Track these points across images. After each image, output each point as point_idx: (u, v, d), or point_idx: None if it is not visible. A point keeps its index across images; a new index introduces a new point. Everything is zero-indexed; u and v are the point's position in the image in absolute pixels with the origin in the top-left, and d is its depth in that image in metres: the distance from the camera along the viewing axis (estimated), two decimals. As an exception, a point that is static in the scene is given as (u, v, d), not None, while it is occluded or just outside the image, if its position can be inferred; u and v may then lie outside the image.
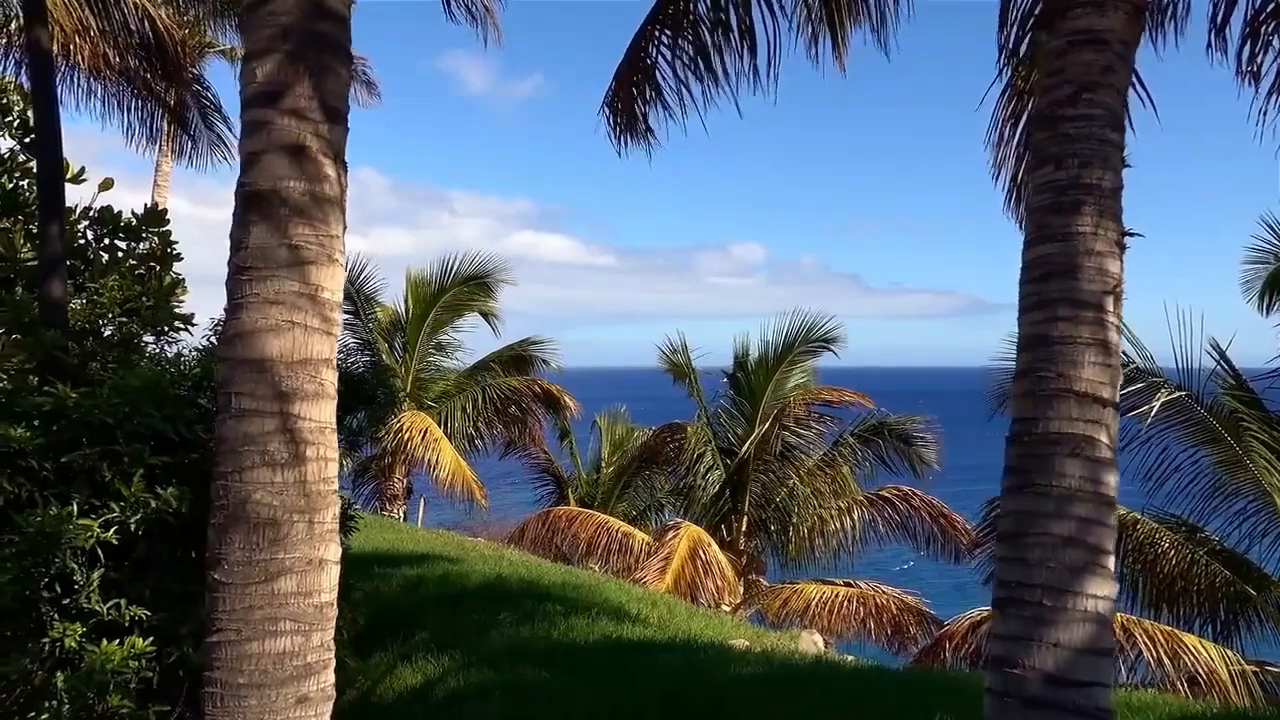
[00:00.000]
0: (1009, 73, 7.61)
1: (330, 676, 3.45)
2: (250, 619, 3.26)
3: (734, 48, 8.60)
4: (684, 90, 9.14)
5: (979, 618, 11.32)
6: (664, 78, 9.28)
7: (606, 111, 9.52)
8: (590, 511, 16.91)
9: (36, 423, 5.79)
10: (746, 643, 10.06)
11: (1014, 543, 3.43)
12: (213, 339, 8.10)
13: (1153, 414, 10.49)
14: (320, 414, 3.42)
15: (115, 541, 5.55)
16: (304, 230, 3.40)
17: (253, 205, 3.40)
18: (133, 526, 5.64)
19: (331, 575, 3.42)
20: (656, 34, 9.06)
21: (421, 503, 21.34)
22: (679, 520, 15.76)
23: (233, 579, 3.29)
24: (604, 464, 21.16)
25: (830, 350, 17.49)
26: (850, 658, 10.70)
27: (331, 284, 3.48)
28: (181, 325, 7.19)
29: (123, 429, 5.76)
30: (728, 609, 14.82)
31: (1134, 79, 7.31)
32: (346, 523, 6.70)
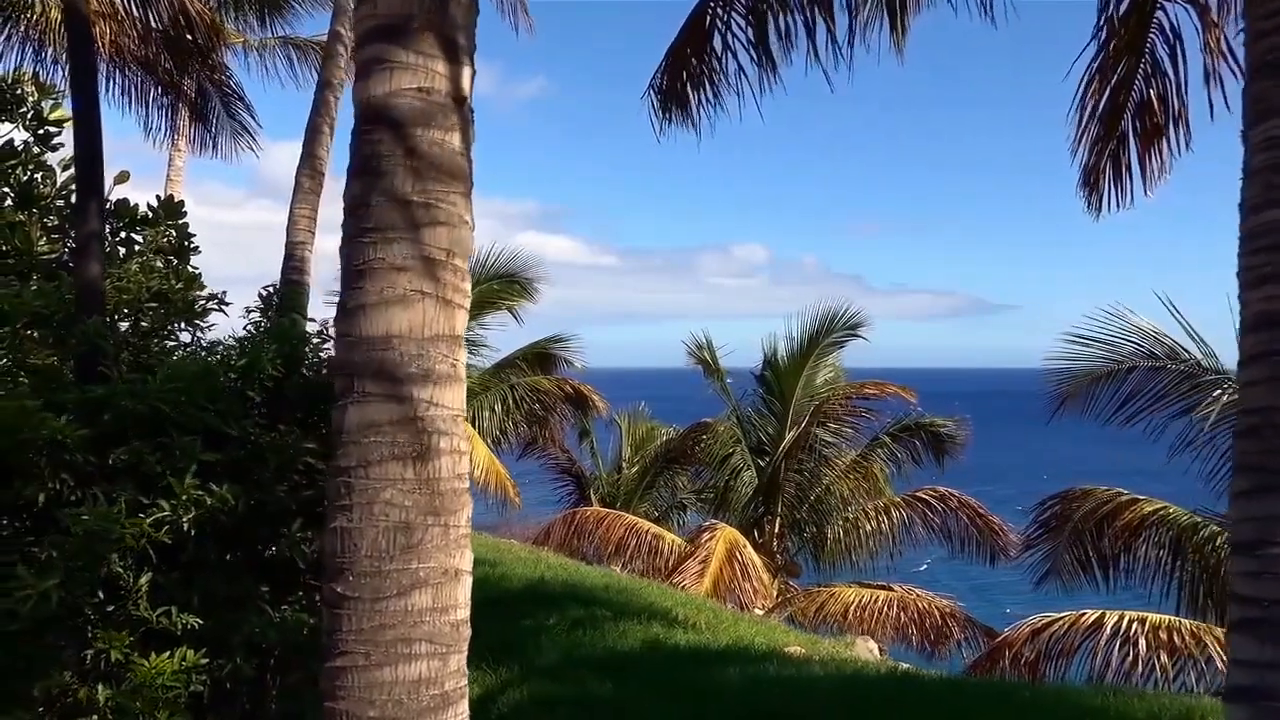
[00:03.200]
0: (1104, 34, 7.20)
1: (465, 707, 2.94)
2: (380, 640, 2.75)
3: (806, 19, 8.16)
4: (743, 72, 8.71)
5: (1040, 623, 10.85)
6: (723, 58, 8.84)
7: (652, 94, 9.08)
8: (618, 513, 16.47)
9: (72, 416, 5.34)
10: (802, 650, 9.72)
11: (1260, 553, 2.92)
12: (249, 328, 7.68)
13: (1214, 414, 10.05)
14: (453, 400, 2.91)
15: (168, 541, 5.12)
16: (435, 187, 2.89)
17: (376, 158, 2.90)
18: (185, 526, 5.22)
19: (467, 587, 2.90)
20: (719, 10, 8.62)
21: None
22: (713, 521, 15.31)
23: (360, 593, 2.77)
24: (625, 463, 20.70)
25: (860, 337, 17.10)
26: (906, 665, 10.32)
27: (463, 250, 2.98)
28: (216, 306, 6.79)
29: (172, 420, 5.33)
30: (760, 612, 14.39)
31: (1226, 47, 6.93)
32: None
